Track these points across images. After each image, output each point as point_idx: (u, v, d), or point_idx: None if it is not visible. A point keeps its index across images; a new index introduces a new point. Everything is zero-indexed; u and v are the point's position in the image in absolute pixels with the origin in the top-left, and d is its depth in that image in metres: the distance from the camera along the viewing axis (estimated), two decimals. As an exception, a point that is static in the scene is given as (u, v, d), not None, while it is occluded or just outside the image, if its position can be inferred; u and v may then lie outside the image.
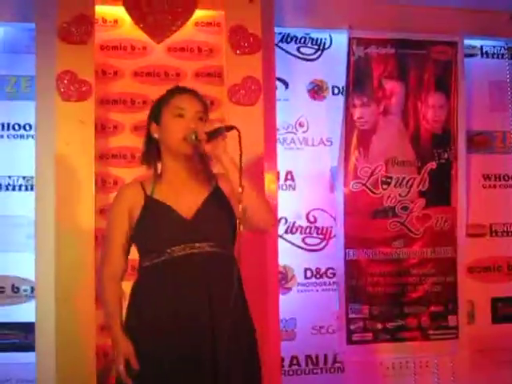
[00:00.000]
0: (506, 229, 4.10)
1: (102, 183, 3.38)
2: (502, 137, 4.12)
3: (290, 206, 3.77)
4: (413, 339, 3.82)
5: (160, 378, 2.10)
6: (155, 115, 2.27)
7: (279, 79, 3.76)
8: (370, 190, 3.78)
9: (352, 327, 3.73)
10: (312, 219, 3.83)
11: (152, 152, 2.29)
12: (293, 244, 3.80)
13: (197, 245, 2.16)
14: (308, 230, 3.83)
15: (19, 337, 3.44)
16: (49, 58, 3.27)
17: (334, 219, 3.81)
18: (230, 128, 2.13)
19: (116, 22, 3.47)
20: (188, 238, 2.16)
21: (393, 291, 3.80)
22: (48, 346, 3.17)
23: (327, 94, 3.91)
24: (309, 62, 3.91)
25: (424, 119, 3.87)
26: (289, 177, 3.82)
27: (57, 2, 3.25)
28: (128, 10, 3.35)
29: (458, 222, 3.89)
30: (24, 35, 3.53)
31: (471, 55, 4.09)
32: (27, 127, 3.54)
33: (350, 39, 3.75)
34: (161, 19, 3.33)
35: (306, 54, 3.90)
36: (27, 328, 3.39)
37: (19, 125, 3.55)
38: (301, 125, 3.85)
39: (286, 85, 3.84)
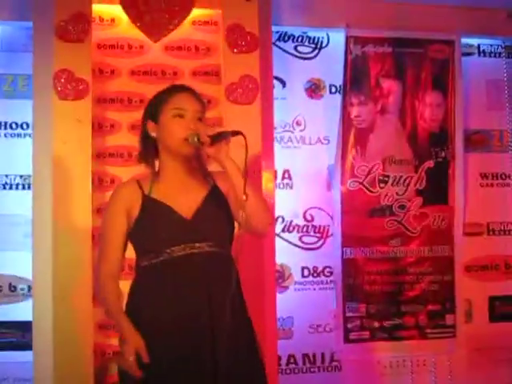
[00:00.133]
0: (503, 227, 4.10)
1: (99, 182, 3.38)
2: (499, 135, 4.12)
3: (287, 204, 3.78)
4: (410, 338, 3.82)
5: (159, 379, 2.09)
6: (152, 113, 2.25)
7: (276, 78, 3.76)
8: (367, 188, 3.79)
9: (349, 326, 3.74)
10: (309, 218, 3.83)
11: (149, 150, 2.28)
12: (290, 243, 3.80)
13: (196, 245, 2.16)
14: (305, 229, 3.83)
15: (16, 335, 3.44)
16: (46, 56, 3.27)
17: (331, 218, 3.82)
18: (235, 133, 2.12)
19: (113, 20, 3.47)
20: (188, 237, 2.16)
21: (390, 290, 3.80)
22: (45, 345, 3.17)
23: (324, 93, 3.91)
24: (306, 61, 3.91)
25: (421, 118, 3.87)
26: (286, 175, 3.82)
27: (54, 1, 3.25)
28: (125, 8, 3.34)
29: (455, 221, 3.89)
30: (21, 34, 3.53)
31: (468, 54, 4.09)
32: (24, 126, 3.54)
33: (347, 38, 3.76)
34: (158, 18, 3.33)
35: (304, 53, 3.90)
36: (24, 327, 3.39)
37: (16, 123, 3.55)
38: (298, 123, 3.85)
39: (284, 83, 3.84)
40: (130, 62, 3.47)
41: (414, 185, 3.84)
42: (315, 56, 3.92)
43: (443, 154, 3.89)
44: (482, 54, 4.16)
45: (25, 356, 3.34)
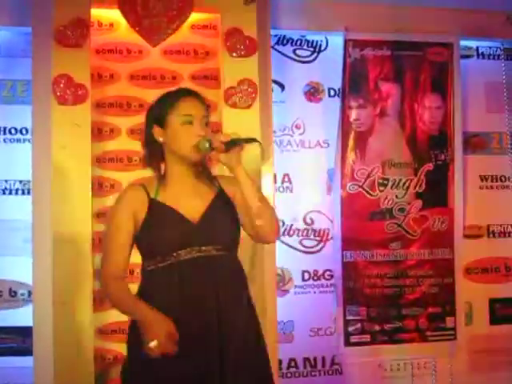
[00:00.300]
0: (503, 230, 4.10)
1: (99, 187, 3.37)
2: (499, 138, 4.13)
3: (287, 208, 3.78)
4: (411, 341, 3.82)
5: (168, 382, 2.09)
6: (159, 118, 2.22)
7: (275, 81, 3.76)
8: (366, 191, 3.78)
9: (350, 329, 3.73)
10: (309, 221, 3.83)
11: (155, 155, 2.26)
12: (290, 246, 3.81)
13: (203, 248, 2.15)
14: (305, 233, 3.83)
15: (17, 341, 3.44)
16: (45, 61, 3.27)
17: (331, 221, 3.82)
18: (250, 140, 2.12)
19: (112, 25, 3.47)
20: (195, 241, 2.15)
21: (390, 293, 3.80)
22: (45, 350, 3.17)
23: (323, 96, 3.91)
24: (305, 64, 3.91)
25: (420, 121, 3.87)
26: (286, 179, 3.82)
27: (53, 6, 3.25)
28: (124, 13, 3.34)
29: (455, 224, 3.89)
30: (20, 39, 3.53)
31: (467, 56, 4.09)
32: (24, 131, 3.54)
33: (345, 41, 3.75)
34: (156, 22, 3.33)
35: (302, 56, 3.90)
36: (25, 332, 3.39)
37: (16, 129, 3.55)
38: (297, 127, 3.85)
39: (282, 87, 3.84)
40: (128, 66, 3.47)
41: (413, 188, 3.84)
42: (314, 59, 3.92)
43: (442, 157, 3.88)
44: (480, 57, 4.16)
45: (25, 361, 3.34)
